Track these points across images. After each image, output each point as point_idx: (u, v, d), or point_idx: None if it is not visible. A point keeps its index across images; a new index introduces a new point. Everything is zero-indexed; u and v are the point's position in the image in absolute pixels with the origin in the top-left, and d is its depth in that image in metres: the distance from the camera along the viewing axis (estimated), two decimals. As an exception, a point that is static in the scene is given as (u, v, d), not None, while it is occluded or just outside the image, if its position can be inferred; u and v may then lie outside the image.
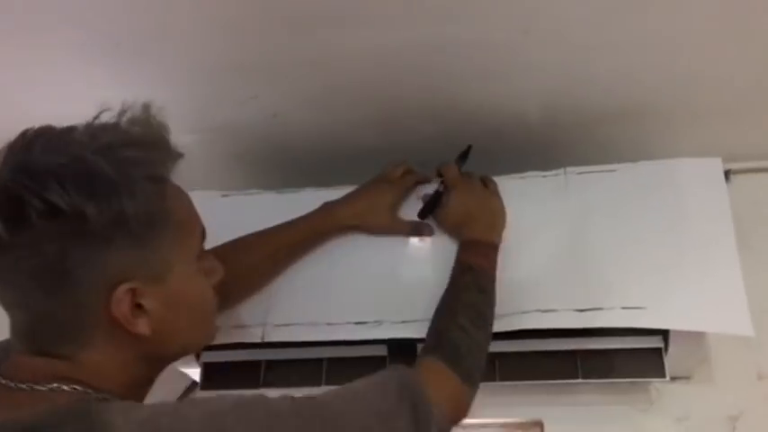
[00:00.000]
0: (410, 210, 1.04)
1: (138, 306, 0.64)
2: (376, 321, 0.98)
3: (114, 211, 0.60)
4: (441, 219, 1.00)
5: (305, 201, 1.05)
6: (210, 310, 0.75)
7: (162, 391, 1.12)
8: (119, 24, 0.87)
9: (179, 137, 0.68)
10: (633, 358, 0.97)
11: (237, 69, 0.98)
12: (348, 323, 0.99)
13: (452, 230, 0.99)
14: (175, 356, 0.74)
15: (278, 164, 1.20)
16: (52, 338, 0.64)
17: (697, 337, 0.95)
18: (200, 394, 1.12)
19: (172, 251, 0.67)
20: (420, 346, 0.98)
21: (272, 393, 1.07)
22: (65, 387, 0.62)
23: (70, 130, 0.64)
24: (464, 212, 0.97)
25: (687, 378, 1.06)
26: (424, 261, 1.01)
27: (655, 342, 0.95)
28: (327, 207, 1.02)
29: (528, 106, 1.07)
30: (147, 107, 0.67)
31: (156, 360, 0.71)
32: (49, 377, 0.62)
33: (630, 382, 1.03)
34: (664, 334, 0.94)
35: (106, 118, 0.65)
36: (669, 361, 0.96)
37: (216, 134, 1.14)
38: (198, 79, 1.01)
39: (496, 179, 1.05)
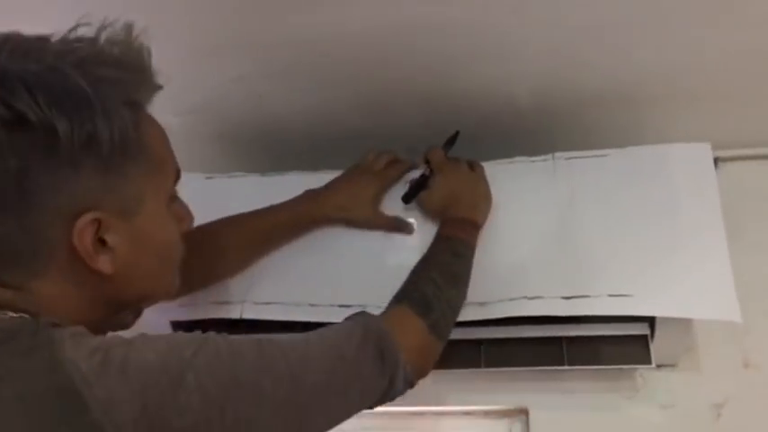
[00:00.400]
0: (396, 194, 1.03)
1: (101, 242, 0.60)
2: (360, 305, 0.96)
3: (87, 131, 0.56)
4: (425, 202, 0.99)
5: (290, 184, 1.03)
6: (176, 258, 0.70)
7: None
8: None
9: (161, 117, 0.66)
10: (619, 345, 0.96)
11: (222, 49, 0.96)
12: (332, 305, 0.98)
13: (437, 213, 0.97)
14: (131, 304, 0.68)
15: (263, 146, 1.18)
16: (0, 263, 0.58)
17: (684, 325, 0.95)
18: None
19: (144, 186, 0.63)
20: None
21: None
22: (11, 314, 0.57)
23: (43, 38, 0.59)
24: (448, 195, 0.96)
25: (673, 366, 1.06)
26: (410, 246, 0.99)
27: (641, 329, 0.95)
28: (309, 196, 1.00)
29: (517, 90, 1.05)
30: (129, 27, 0.62)
31: (112, 304, 0.65)
32: None
33: (616, 369, 1.03)
34: (650, 321, 0.94)
35: (83, 32, 0.60)
36: (655, 348, 0.95)
37: (200, 116, 1.11)
38: (181, 59, 0.98)
39: (484, 164, 1.03)
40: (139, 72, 0.62)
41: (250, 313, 0.98)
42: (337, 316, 0.94)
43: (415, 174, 1.03)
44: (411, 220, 1.02)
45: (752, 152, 1.17)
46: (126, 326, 0.81)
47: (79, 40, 0.60)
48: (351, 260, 1.00)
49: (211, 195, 1.08)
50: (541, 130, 1.10)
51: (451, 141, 1.03)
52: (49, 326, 0.56)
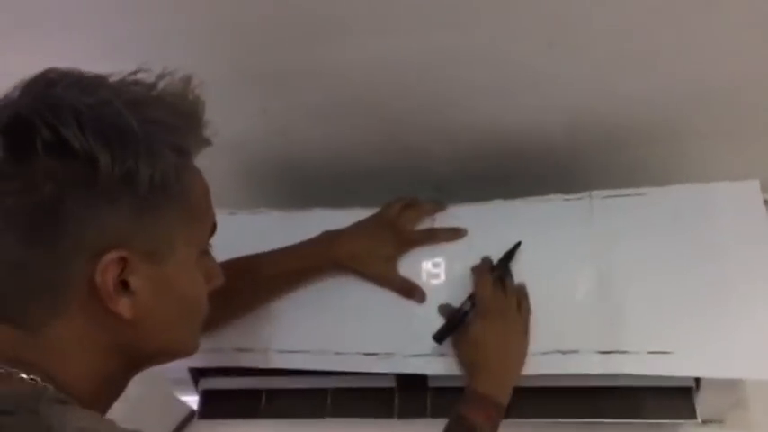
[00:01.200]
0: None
1: (124, 284, 0.57)
2: (387, 353, 0.92)
3: (128, 167, 0.55)
4: (455, 342, 0.90)
5: (313, 221, 1.00)
6: (200, 314, 0.68)
7: (157, 420, 1.08)
8: (119, 28, 0.83)
9: None
10: (661, 398, 0.89)
11: (245, 81, 0.94)
12: (357, 353, 0.93)
13: (462, 361, 0.89)
14: (148, 357, 0.65)
15: (286, 182, 1.16)
16: (18, 296, 0.56)
17: (732, 380, 0.87)
18: (197, 424, 1.07)
19: (177, 232, 0.61)
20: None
21: (274, 424, 1.05)
22: (23, 375, 0.55)
23: (102, 76, 0.59)
24: (482, 348, 0.86)
25: (720, 422, 0.98)
26: (438, 292, 0.95)
27: (686, 381, 0.88)
28: (325, 240, 0.96)
29: (551, 125, 1.01)
30: (187, 79, 0.62)
31: (129, 356, 0.62)
32: (6, 354, 0.55)
33: (657, 423, 0.96)
34: (695, 374, 0.87)
35: (142, 77, 0.61)
36: (701, 402, 0.89)
37: (223, 150, 1.05)
38: (203, 90, 0.97)
39: (515, 202, 0.99)
40: (191, 121, 0.62)
41: (275, 362, 0.95)
42: (363, 364, 0.93)
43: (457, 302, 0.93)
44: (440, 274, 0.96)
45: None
46: None
47: (136, 83, 0.60)
48: (376, 306, 0.96)
49: (234, 231, 1.03)
50: (576, 167, 1.06)
51: (509, 256, 0.94)
52: (54, 402, 0.54)
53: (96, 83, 0.58)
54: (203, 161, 1.08)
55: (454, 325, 0.90)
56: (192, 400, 1.04)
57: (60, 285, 0.56)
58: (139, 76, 0.61)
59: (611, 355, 0.84)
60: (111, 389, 0.63)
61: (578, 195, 0.98)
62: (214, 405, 1.01)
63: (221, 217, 1.06)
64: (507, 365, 0.86)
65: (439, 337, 0.89)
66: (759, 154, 1.03)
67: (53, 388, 0.56)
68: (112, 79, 0.60)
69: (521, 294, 0.91)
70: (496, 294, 0.89)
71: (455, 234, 0.97)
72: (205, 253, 0.68)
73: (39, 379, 0.55)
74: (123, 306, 0.58)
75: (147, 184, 0.56)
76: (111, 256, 0.56)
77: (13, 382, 0.55)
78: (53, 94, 0.55)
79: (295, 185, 1.16)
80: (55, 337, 0.57)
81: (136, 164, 0.55)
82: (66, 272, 0.56)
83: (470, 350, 0.87)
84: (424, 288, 0.95)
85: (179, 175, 0.60)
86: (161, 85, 0.60)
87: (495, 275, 0.91)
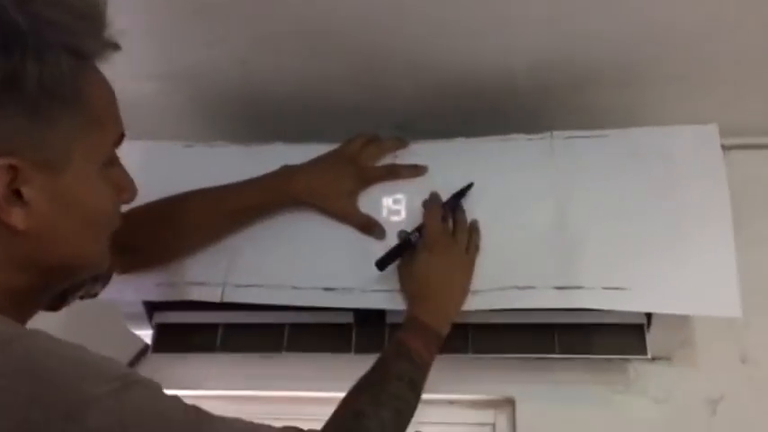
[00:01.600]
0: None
1: (17, 193, 0.55)
2: (345, 288, 0.92)
3: (13, 67, 0.52)
4: (400, 273, 0.90)
5: (273, 156, 0.98)
6: (107, 227, 0.65)
7: (111, 354, 1.06)
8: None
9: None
10: (614, 334, 0.92)
11: (203, 8, 0.90)
12: (315, 288, 0.93)
13: (405, 291, 0.88)
14: (54, 271, 0.62)
15: (245, 115, 1.12)
16: None
17: (681, 317, 0.90)
18: (151, 358, 1.06)
19: (74, 141, 0.57)
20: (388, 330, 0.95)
21: (230, 358, 1.04)
22: None
23: None
24: (424, 280, 0.86)
25: (668, 359, 1.01)
26: (398, 228, 0.94)
27: (637, 318, 0.90)
28: (284, 174, 0.94)
29: (516, 65, 1.00)
30: None
31: (34, 270, 0.59)
32: None
33: (608, 359, 0.99)
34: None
35: None
36: (651, 339, 0.91)
37: (179, 81, 1.05)
38: (159, 19, 0.93)
39: (477, 140, 0.98)
40: (90, 21, 0.57)
41: (231, 296, 0.93)
42: (321, 299, 0.92)
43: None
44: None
45: (758, 141, 1.12)
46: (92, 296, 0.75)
47: None
48: (334, 241, 0.95)
49: (190, 165, 1.03)
50: (540, 108, 1.05)
51: (461, 193, 0.93)
52: None
53: None
54: (157, 92, 1.06)
55: (398, 254, 0.89)
56: (147, 335, 1.02)
57: None
58: None
59: (567, 290, 0.86)
60: (23, 304, 0.60)
61: (540, 135, 0.98)
62: (168, 339, 1.00)
63: (177, 150, 1.05)
64: (448, 298, 0.86)
65: (381, 264, 0.88)
66: (719, 100, 1.04)
67: None
68: None
69: (471, 230, 0.91)
70: (444, 228, 0.89)
71: (416, 171, 0.96)
72: (112, 164, 0.64)
73: None
74: (16, 216, 0.55)
75: (36, 86, 0.53)
76: (0, 163, 0.53)
77: None
78: None
79: (254, 119, 1.12)
80: None
81: (23, 64, 0.52)
82: None
83: (413, 280, 0.87)
84: (384, 224, 0.94)
85: (75, 78, 0.56)
86: None
87: (446, 209, 0.91)
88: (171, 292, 0.94)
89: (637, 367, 1.02)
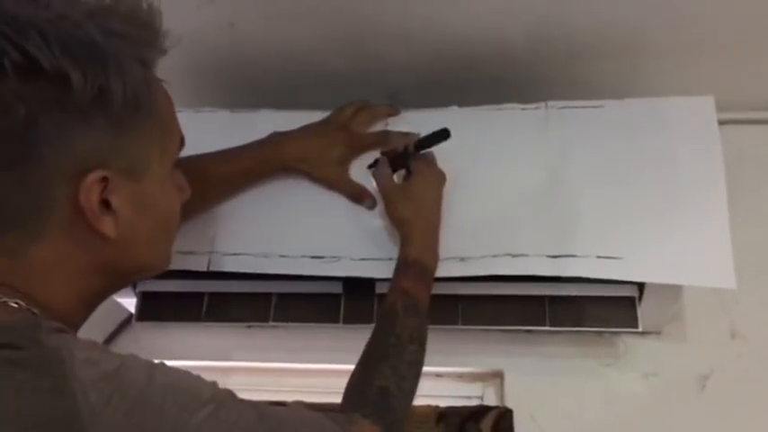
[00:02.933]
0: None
1: (105, 204, 0.57)
2: (333, 257, 0.90)
3: (100, 83, 0.54)
4: (397, 193, 0.87)
5: (260, 122, 0.97)
6: (175, 228, 0.68)
7: (95, 322, 1.04)
8: None
9: None
10: (605, 307, 0.91)
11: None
12: (303, 257, 0.91)
13: (397, 214, 0.86)
14: (130, 275, 0.67)
15: (232, 81, 1.10)
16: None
17: (674, 291, 0.89)
18: (135, 326, 1.04)
19: (152, 148, 0.61)
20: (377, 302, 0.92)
21: (215, 328, 1.03)
22: (7, 301, 0.54)
23: None
24: (417, 207, 0.85)
25: (658, 334, 1.01)
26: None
27: (629, 291, 0.89)
28: (274, 141, 0.93)
29: (511, 34, 0.98)
30: None
31: (111, 275, 0.62)
32: None
33: (598, 333, 0.99)
34: (639, 283, 0.88)
35: None
36: (642, 313, 0.90)
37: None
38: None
39: (471, 109, 0.97)
40: (150, 30, 0.59)
41: (217, 265, 0.91)
42: (309, 267, 0.90)
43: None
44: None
45: (754, 116, 1.11)
46: None
47: None
48: (323, 208, 0.93)
49: None
50: (534, 77, 1.03)
51: (435, 138, 0.90)
52: (53, 331, 0.52)
53: None
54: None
55: (403, 159, 0.89)
56: (130, 303, 1.00)
57: (42, 209, 0.55)
58: None
59: (561, 258, 0.85)
60: (89, 307, 0.63)
61: (535, 105, 0.96)
62: (152, 307, 0.98)
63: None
64: (437, 222, 0.86)
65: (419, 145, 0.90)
66: (716, 71, 1.03)
67: (39, 311, 0.55)
68: None
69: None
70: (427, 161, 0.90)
71: (408, 138, 0.94)
72: (176, 166, 0.67)
73: (22, 303, 0.54)
74: (107, 225, 0.57)
75: (120, 99, 0.55)
76: (94, 176, 0.55)
77: (5, 310, 0.54)
78: (8, 9, 0.52)
79: (242, 84, 1.10)
80: (38, 261, 0.56)
81: (107, 80, 0.54)
82: (48, 195, 0.55)
83: (409, 202, 0.85)
84: (374, 194, 0.92)
85: (147, 88, 0.59)
86: None
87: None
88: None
89: (626, 341, 1.01)
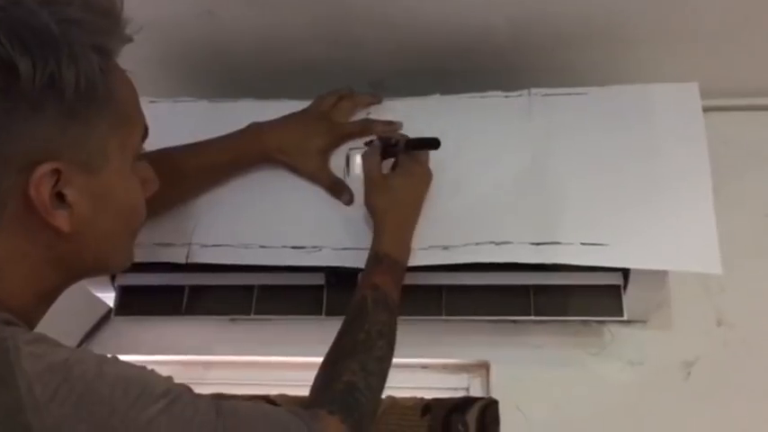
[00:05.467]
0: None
1: (60, 196, 0.56)
2: (314, 247, 0.89)
3: (50, 72, 0.52)
4: (378, 181, 0.86)
5: (240, 112, 0.95)
6: (138, 222, 0.66)
7: (74, 319, 1.02)
8: None
9: None
10: (591, 295, 0.90)
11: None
12: (284, 247, 0.90)
13: (374, 203, 0.85)
14: (88, 270, 0.64)
15: (212, 70, 1.08)
16: None
17: (659, 278, 0.88)
18: (115, 321, 1.02)
19: (110, 139, 0.59)
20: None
21: (196, 322, 1.01)
22: None
23: None
24: (393, 200, 0.84)
25: (643, 322, 1.00)
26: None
27: (614, 279, 0.89)
28: (253, 132, 0.91)
29: (494, 19, 0.97)
30: None
31: (67, 270, 0.61)
32: None
33: (584, 322, 0.99)
34: (624, 271, 0.88)
35: None
36: (628, 301, 0.90)
37: (141, 33, 1.00)
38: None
39: (454, 97, 0.96)
40: (110, 17, 0.58)
41: (197, 257, 0.90)
42: (290, 258, 0.89)
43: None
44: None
45: (737, 102, 1.11)
46: None
47: None
48: (302, 199, 0.92)
49: (154, 121, 0.96)
50: (518, 65, 1.02)
51: (425, 143, 0.88)
52: (2, 324, 0.51)
53: None
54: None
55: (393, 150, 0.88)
56: (109, 297, 0.98)
57: None
58: None
59: (545, 246, 0.84)
60: (46, 302, 0.61)
61: (518, 93, 0.95)
62: (132, 301, 0.97)
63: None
64: (414, 217, 0.86)
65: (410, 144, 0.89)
66: (700, 58, 1.02)
67: None
68: None
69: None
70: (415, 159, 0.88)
71: (390, 126, 0.93)
72: (139, 158, 0.65)
73: None
74: (60, 219, 0.56)
75: (73, 88, 0.53)
76: (44, 168, 0.53)
77: None
78: None
79: (221, 74, 1.08)
80: None
81: (58, 68, 0.52)
82: None
83: (390, 193, 0.85)
84: (355, 181, 0.91)
85: (105, 77, 0.56)
86: None
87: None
88: (135, 254, 0.90)
89: (612, 330, 1.01)
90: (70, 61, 0.53)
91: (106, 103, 0.58)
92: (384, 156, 0.88)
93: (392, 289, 0.78)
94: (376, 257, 0.80)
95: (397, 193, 0.84)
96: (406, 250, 0.83)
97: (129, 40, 0.60)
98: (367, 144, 0.92)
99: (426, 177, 0.87)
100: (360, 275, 0.81)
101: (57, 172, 0.54)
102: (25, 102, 0.52)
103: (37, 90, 0.52)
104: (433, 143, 0.87)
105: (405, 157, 0.88)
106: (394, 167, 0.88)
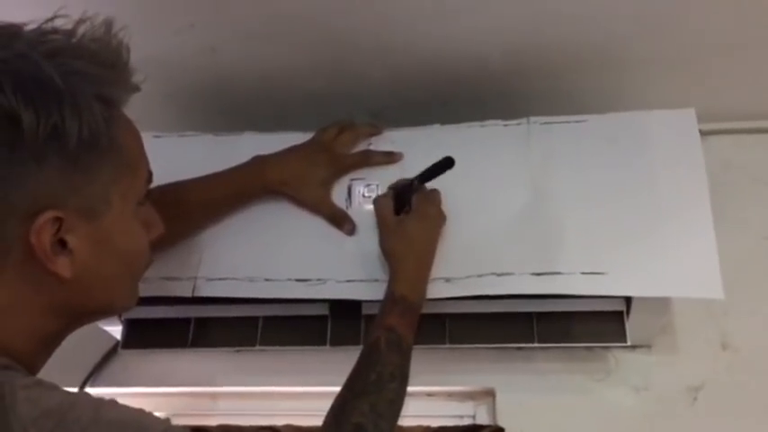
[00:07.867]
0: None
1: (62, 243, 0.56)
2: (319, 279, 0.90)
3: (53, 123, 0.53)
4: (392, 226, 0.86)
5: (243, 145, 0.96)
6: (141, 267, 0.67)
7: (82, 353, 1.03)
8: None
9: None
10: (593, 322, 0.90)
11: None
12: (289, 280, 0.91)
13: (390, 247, 0.85)
14: (91, 315, 0.66)
15: (215, 104, 1.10)
16: None
17: (661, 303, 0.89)
18: (122, 354, 1.03)
19: (112, 186, 0.60)
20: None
21: (202, 354, 1.02)
22: None
23: (16, 26, 0.56)
24: (409, 243, 0.84)
25: (648, 347, 1.00)
26: (371, 218, 0.91)
27: (616, 305, 0.89)
28: (256, 165, 0.92)
29: (490, 50, 0.98)
30: (108, 23, 0.59)
31: (69, 315, 0.62)
32: None
33: (588, 348, 0.98)
34: (626, 297, 0.88)
35: (61, 24, 0.58)
36: (631, 327, 0.90)
37: (146, 70, 1.01)
38: (126, 5, 0.89)
39: (453, 127, 0.97)
40: (116, 69, 0.60)
41: (203, 290, 0.91)
42: (295, 291, 0.90)
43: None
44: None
45: (736, 126, 1.12)
46: None
47: (55, 31, 0.57)
48: (308, 232, 0.93)
49: (159, 155, 0.98)
50: (515, 93, 1.03)
51: (439, 168, 0.86)
52: (0, 368, 0.52)
53: (10, 34, 0.55)
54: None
55: (407, 195, 0.87)
56: (116, 331, 0.99)
57: None
58: (57, 22, 0.57)
59: (546, 276, 0.84)
60: (49, 347, 0.62)
61: (517, 121, 0.96)
62: (139, 335, 0.98)
63: (146, 140, 1.01)
64: (428, 260, 0.85)
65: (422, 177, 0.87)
66: (697, 83, 1.03)
67: None
68: (28, 28, 0.56)
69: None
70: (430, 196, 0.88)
71: (391, 157, 0.94)
72: (142, 203, 0.66)
73: None
74: (62, 266, 0.56)
75: (76, 139, 0.54)
76: (46, 216, 0.54)
77: None
78: None
79: (224, 108, 1.10)
80: None
81: (62, 119, 0.53)
82: (1, 236, 0.54)
83: (404, 238, 0.84)
84: (358, 212, 0.92)
85: (108, 127, 0.58)
86: (80, 31, 0.58)
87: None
88: (142, 289, 0.91)
89: (617, 355, 1.00)
90: (73, 112, 0.54)
91: (109, 151, 0.59)
92: (400, 201, 0.88)
93: (407, 332, 0.78)
94: (392, 299, 0.80)
95: (413, 236, 0.84)
96: (423, 292, 0.83)
97: (136, 89, 0.62)
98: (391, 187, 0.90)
99: (440, 218, 0.87)
100: (376, 317, 0.80)
101: (58, 220, 0.55)
102: (29, 153, 0.53)
103: (40, 141, 0.53)
104: (447, 164, 0.86)
105: (418, 199, 0.87)
106: (407, 211, 0.87)
